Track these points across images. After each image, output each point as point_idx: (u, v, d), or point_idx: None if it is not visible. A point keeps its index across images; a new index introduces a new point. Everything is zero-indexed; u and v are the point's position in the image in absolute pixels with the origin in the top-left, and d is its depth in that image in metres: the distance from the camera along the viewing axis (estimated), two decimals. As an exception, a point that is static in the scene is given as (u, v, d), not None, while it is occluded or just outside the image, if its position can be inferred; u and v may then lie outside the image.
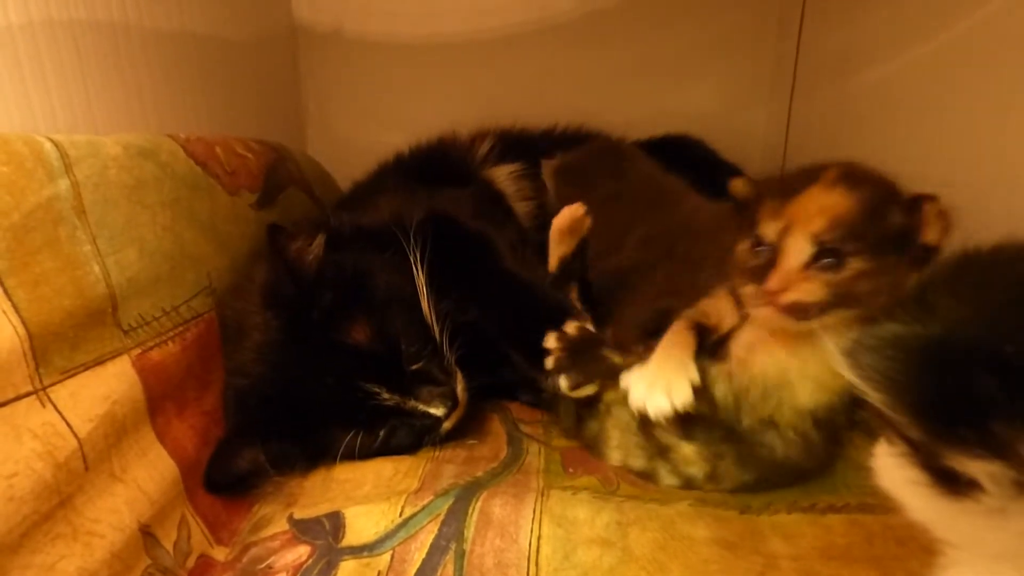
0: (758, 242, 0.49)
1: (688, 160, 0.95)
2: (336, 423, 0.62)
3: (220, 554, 0.53)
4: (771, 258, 0.47)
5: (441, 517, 0.50)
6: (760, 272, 0.47)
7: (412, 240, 0.67)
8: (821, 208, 0.45)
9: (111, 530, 0.42)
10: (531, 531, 0.49)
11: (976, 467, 0.26)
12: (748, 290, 0.48)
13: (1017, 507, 0.25)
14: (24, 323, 0.42)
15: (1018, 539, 0.26)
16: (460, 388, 0.65)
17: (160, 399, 0.53)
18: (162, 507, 0.49)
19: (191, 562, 0.50)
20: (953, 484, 0.27)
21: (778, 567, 0.47)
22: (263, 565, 0.48)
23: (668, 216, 0.79)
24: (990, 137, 0.63)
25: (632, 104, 1.18)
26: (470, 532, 0.49)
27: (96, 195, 0.52)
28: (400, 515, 0.52)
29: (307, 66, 1.26)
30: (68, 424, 0.42)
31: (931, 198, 0.46)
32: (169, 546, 0.48)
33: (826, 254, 0.45)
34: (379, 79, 1.25)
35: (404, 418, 0.63)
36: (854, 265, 0.44)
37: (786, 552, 0.49)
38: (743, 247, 0.50)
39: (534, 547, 0.48)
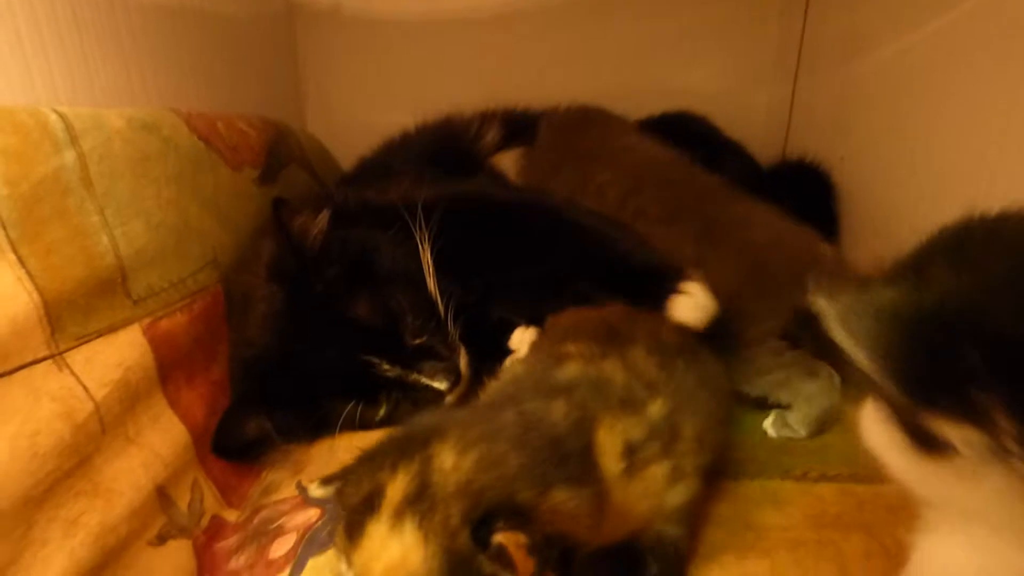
0: None
1: (690, 138, 0.95)
2: (338, 393, 0.63)
3: (231, 515, 0.54)
4: None
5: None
6: None
7: (419, 218, 0.67)
8: (388, 568, 0.33)
9: (129, 489, 0.44)
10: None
11: (952, 432, 0.27)
12: None
13: (989, 470, 0.27)
14: (39, 290, 0.43)
15: (989, 500, 0.28)
16: (463, 364, 0.66)
17: (170, 367, 0.54)
18: (175, 470, 0.50)
19: (204, 522, 0.51)
20: (930, 446, 0.29)
21: (767, 539, 0.48)
22: (274, 525, 0.50)
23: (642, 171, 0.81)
24: (997, 119, 0.63)
25: (636, 83, 1.18)
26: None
27: (102, 167, 0.53)
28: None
29: (306, 44, 1.25)
30: (85, 388, 0.43)
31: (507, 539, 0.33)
32: (184, 506, 0.50)
33: None
34: (378, 57, 1.24)
35: (407, 391, 0.64)
36: None
37: (777, 523, 0.50)
38: None
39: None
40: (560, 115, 0.97)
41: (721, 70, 1.21)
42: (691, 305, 0.60)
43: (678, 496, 0.43)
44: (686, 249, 0.68)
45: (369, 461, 0.37)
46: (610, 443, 0.39)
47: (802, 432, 0.62)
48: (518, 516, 0.32)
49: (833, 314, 0.31)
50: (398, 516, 0.33)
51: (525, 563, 0.31)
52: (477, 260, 0.71)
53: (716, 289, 0.63)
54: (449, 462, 0.34)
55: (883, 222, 0.83)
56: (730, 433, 0.58)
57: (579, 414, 0.39)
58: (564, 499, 0.33)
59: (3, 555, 0.35)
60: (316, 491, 0.38)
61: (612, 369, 0.45)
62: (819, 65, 1.06)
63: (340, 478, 0.39)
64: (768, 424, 0.63)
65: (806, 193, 0.93)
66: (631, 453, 0.40)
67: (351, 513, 0.35)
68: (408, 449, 0.36)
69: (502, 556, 0.31)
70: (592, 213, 0.74)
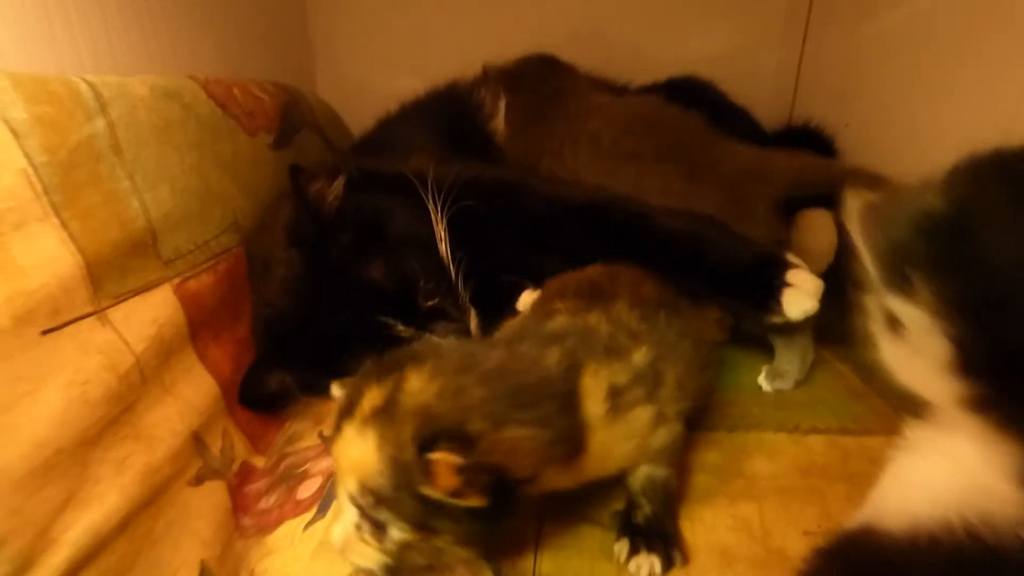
0: None
1: (696, 102, 0.96)
2: (355, 353, 0.66)
3: (259, 462, 0.59)
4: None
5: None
6: None
7: (431, 189, 0.69)
8: (350, 463, 0.38)
9: (168, 435, 0.48)
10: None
11: (903, 310, 0.32)
12: None
13: (929, 344, 0.31)
14: (80, 251, 0.46)
15: (931, 376, 0.32)
16: (474, 325, 0.69)
17: (199, 325, 0.58)
18: (208, 419, 0.54)
19: (236, 467, 0.56)
20: (894, 328, 0.33)
21: (757, 486, 0.52)
22: (300, 470, 0.54)
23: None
24: (1009, 85, 0.63)
25: (644, 45, 1.18)
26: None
27: (129, 134, 0.55)
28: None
29: (315, 8, 1.25)
30: (125, 342, 0.47)
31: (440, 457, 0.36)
32: (216, 451, 0.54)
33: (367, 516, 0.38)
34: (387, 21, 1.24)
35: None
36: (395, 535, 0.38)
37: (767, 471, 0.54)
38: None
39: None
40: (517, 67, 0.98)
41: (730, 33, 1.21)
42: (803, 296, 0.58)
43: (661, 438, 0.47)
44: (677, 184, 0.72)
45: (365, 372, 0.42)
46: (594, 387, 0.43)
47: (791, 377, 0.65)
48: (461, 442, 0.35)
49: (854, 206, 0.35)
50: (364, 423, 0.38)
51: (449, 480, 0.35)
52: (511, 246, 0.71)
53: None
54: (416, 386, 0.38)
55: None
56: (711, 381, 0.61)
57: (569, 361, 0.43)
58: (518, 437, 0.37)
59: (66, 489, 0.39)
60: (335, 391, 0.43)
61: (597, 321, 0.49)
62: (828, 29, 1.06)
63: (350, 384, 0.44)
64: (761, 379, 0.66)
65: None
66: (615, 396, 0.44)
67: (339, 412, 0.40)
68: (390, 368, 0.40)
69: (426, 469, 0.35)
70: (671, 211, 0.68)
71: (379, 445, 0.37)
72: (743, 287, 0.61)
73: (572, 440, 0.41)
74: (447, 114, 0.97)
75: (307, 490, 0.53)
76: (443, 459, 0.35)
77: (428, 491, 0.35)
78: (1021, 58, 0.62)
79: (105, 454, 0.42)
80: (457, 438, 0.35)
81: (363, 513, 0.38)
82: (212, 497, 0.51)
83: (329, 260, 0.66)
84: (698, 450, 0.56)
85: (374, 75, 1.26)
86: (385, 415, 0.37)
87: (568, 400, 0.41)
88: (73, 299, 0.44)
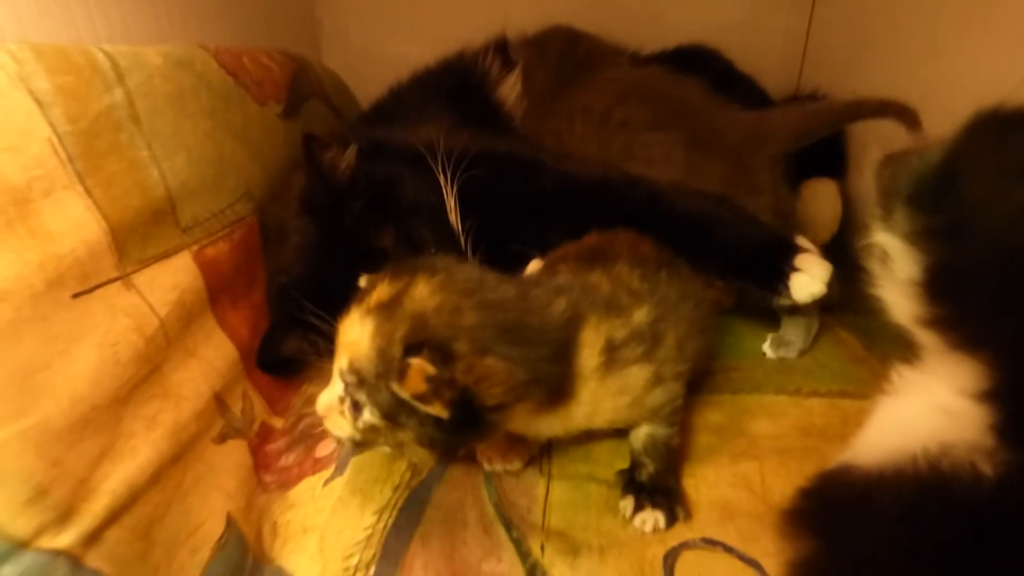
0: None
1: (703, 71, 0.96)
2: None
3: (278, 423, 0.61)
4: None
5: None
6: None
7: (441, 159, 0.69)
8: (348, 343, 0.42)
9: (192, 394, 0.50)
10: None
11: (886, 240, 0.36)
12: None
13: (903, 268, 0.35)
14: (104, 218, 0.47)
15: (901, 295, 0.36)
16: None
17: (217, 291, 0.60)
18: (228, 381, 0.56)
19: (256, 427, 0.58)
20: (883, 260, 0.37)
21: (758, 445, 0.54)
22: (318, 430, 0.56)
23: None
24: (1019, 48, 0.62)
25: (651, 11, 1.17)
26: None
27: (146, 104, 0.56)
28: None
29: (320, -27, 1.24)
30: (150, 306, 0.49)
31: (417, 363, 0.38)
32: (237, 412, 0.56)
33: (347, 395, 0.42)
34: (393, -13, 1.23)
35: None
36: (367, 416, 0.41)
37: (768, 432, 0.56)
38: None
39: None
40: (539, 38, 0.97)
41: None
42: (811, 281, 0.60)
43: (658, 398, 0.49)
44: (678, 154, 0.72)
45: (385, 269, 0.45)
46: (593, 339, 0.45)
47: (795, 348, 0.67)
48: (442, 356, 0.38)
49: (874, 158, 0.39)
50: (368, 312, 0.41)
51: (418, 384, 0.37)
52: (519, 217, 0.71)
53: (709, 185, 0.67)
54: (421, 293, 0.41)
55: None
56: (712, 344, 0.62)
57: (572, 312, 0.45)
58: (495, 368, 0.39)
59: (101, 443, 0.41)
60: (361, 282, 0.46)
61: (598, 279, 0.50)
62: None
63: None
64: (766, 347, 0.68)
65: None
66: (611, 350, 0.45)
67: (355, 297, 0.43)
68: (405, 271, 0.43)
69: (403, 370, 0.38)
70: (683, 190, 0.68)
71: (373, 335, 0.40)
72: (753, 269, 0.62)
73: (556, 386, 0.44)
74: (456, 83, 0.97)
75: (325, 448, 0.56)
76: (419, 365, 0.37)
77: (397, 389, 0.38)
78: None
79: (136, 411, 0.44)
80: (439, 351, 0.38)
81: (346, 389, 0.42)
82: (235, 454, 0.53)
83: (342, 228, 0.68)
84: (702, 412, 0.58)
85: (379, 42, 1.25)
86: (386, 311, 0.40)
87: (563, 348, 0.44)
88: (100, 264, 0.46)
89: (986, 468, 0.30)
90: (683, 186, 0.69)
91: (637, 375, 0.47)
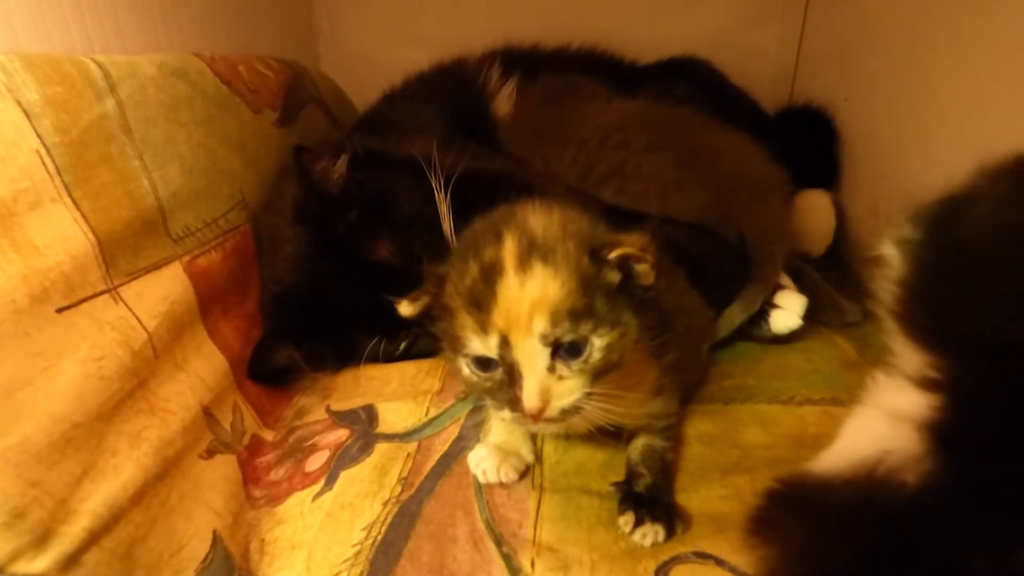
0: (480, 363, 0.43)
1: (695, 83, 0.96)
2: (362, 329, 0.68)
3: (269, 435, 0.60)
4: (509, 375, 0.41)
5: (461, 420, 0.58)
6: (505, 392, 0.42)
7: (435, 169, 0.69)
8: (532, 303, 0.39)
9: (180, 409, 0.50)
10: (537, 435, 0.56)
11: (887, 250, 0.38)
12: (506, 415, 0.43)
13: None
14: (92, 230, 0.47)
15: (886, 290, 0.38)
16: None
17: (208, 302, 0.59)
18: (218, 393, 0.56)
19: (246, 440, 0.57)
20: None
21: (751, 456, 0.54)
22: (308, 443, 0.56)
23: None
24: (1008, 60, 0.62)
25: (644, 22, 1.17)
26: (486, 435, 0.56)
27: (138, 113, 0.56)
28: (426, 415, 0.60)
29: (318, -20, 1.25)
30: (138, 319, 0.48)
31: (628, 251, 0.41)
32: (227, 425, 0.55)
33: (564, 346, 0.40)
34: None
35: (425, 327, 0.69)
36: (597, 343, 0.41)
37: (761, 442, 0.55)
38: (467, 372, 0.44)
39: (539, 446, 0.55)
40: (538, 88, 0.98)
41: (729, 7, 1.19)
42: (788, 315, 0.68)
43: (659, 407, 0.50)
44: (669, 173, 0.74)
45: (439, 273, 0.45)
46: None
47: (796, 315, 0.69)
48: (610, 240, 0.42)
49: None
50: (522, 264, 0.40)
51: (638, 256, 0.41)
52: None
53: (690, 207, 0.71)
54: (540, 221, 0.42)
55: (887, 165, 0.84)
56: (707, 358, 0.64)
57: None
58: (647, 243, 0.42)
59: (83, 461, 0.41)
60: (405, 309, 0.46)
61: None
62: (829, 1, 1.04)
63: (423, 294, 0.45)
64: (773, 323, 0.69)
65: (809, 140, 0.95)
66: None
67: (470, 296, 0.41)
68: (496, 230, 0.43)
69: (624, 262, 0.41)
70: (675, 223, 0.71)
71: (555, 270, 0.40)
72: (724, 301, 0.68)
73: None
74: (451, 91, 0.97)
75: (315, 463, 0.55)
76: (629, 243, 0.41)
77: (615, 279, 0.42)
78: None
79: (121, 427, 0.44)
80: (606, 244, 0.41)
81: (557, 347, 0.40)
82: (223, 469, 0.52)
83: (336, 238, 0.67)
84: (694, 422, 0.58)
85: (379, 50, 1.25)
86: (538, 249, 0.40)
87: None
88: (87, 277, 0.45)
89: (909, 478, 0.31)
90: (672, 220, 0.72)
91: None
